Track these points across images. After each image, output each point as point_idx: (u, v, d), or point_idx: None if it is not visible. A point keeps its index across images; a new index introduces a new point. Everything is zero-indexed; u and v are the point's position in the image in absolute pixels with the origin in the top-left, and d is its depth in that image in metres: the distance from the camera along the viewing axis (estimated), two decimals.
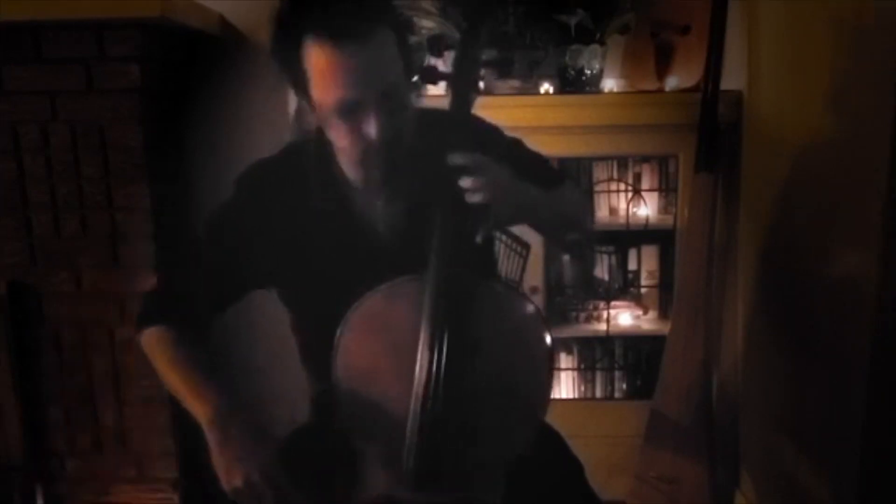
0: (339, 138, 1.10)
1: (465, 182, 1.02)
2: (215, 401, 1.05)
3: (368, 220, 1.20)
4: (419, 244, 1.08)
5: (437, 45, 1.06)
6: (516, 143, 1.30)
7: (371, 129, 1.05)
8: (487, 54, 1.09)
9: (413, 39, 1.55)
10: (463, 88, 1.08)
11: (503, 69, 1.10)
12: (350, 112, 1.05)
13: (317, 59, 1.03)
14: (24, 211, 1.77)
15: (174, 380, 1.11)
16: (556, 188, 1.26)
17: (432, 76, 1.08)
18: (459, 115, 1.09)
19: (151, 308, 1.21)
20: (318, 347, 1.15)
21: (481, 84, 1.08)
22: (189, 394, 1.08)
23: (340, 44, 1.01)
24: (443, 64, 1.07)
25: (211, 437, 1.01)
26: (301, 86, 1.08)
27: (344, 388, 1.12)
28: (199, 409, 1.05)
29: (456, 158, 1.02)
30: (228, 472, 0.98)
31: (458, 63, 1.07)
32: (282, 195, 1.19)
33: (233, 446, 0.99)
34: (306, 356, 1.34)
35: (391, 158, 1.08)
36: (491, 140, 1.22)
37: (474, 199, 1.02)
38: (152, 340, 1.17)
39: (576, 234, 1.30)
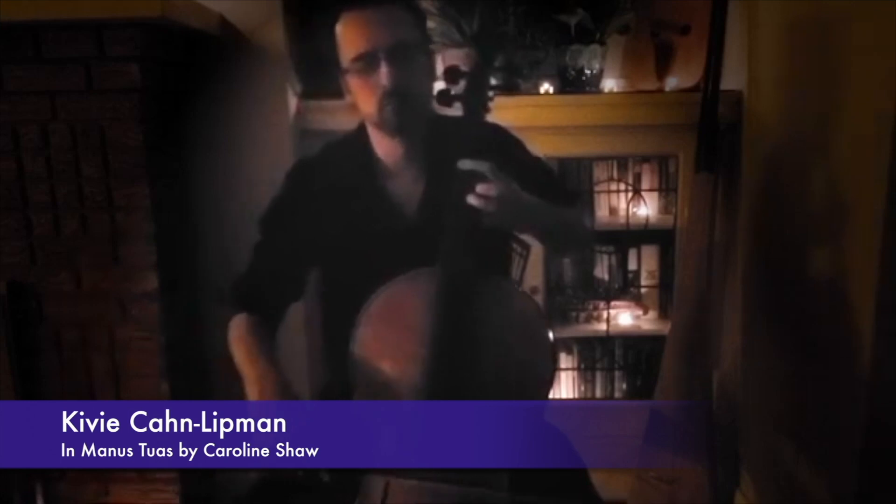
0: (361, 95, 1.27)
1: (475, 187, 1.13)
2: (262, 366, 1.20)
3: (401, 204, 1.33)
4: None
5: (453, 75, 1.21)
6: (536, 160, 1.42)
7: (383, 76, 1.23)
8: (496, 78, 1.25)
9: None
10: (475, 108, 1.22)
11: (510, 90, 1.28)
12: (367, 65, 1.24)
13: (344, 26, 1.26)
14: (24, 211, 1.77)
15: (240, 353, 1.25)
16: (565, 207, 1.37)
17: (447, 99, 1.23)
18: (473, 126, 1.22)
19: (237, 298, 1.37)
20: (343, 334, 1.20)
21: (491, 105, 1.23)
22: (246, 361, 1.22)
23: (361, 9, 1.25)
24: (456, 88, 1.23)
25: (250, 392, 1.16)
26: (333, 61, 1.29)
27: (359, 374, 1.18)
28: (247, 371, 1.20)
29: (466, 164, 1.15)
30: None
31: (469, 89, 1.22)
32: (325, 181, 1.36)
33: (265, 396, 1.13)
34: (330, 343, 1.41)
35: (404, 102, 1.25)
36: (506, 149, 1.35)
37: (480, 203, 1.13)
38: (238, 327, 1.32)
39: (575, 251, 1.40)
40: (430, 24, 2.00)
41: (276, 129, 1.95)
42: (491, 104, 1.22)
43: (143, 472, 1.87)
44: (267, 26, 1.94)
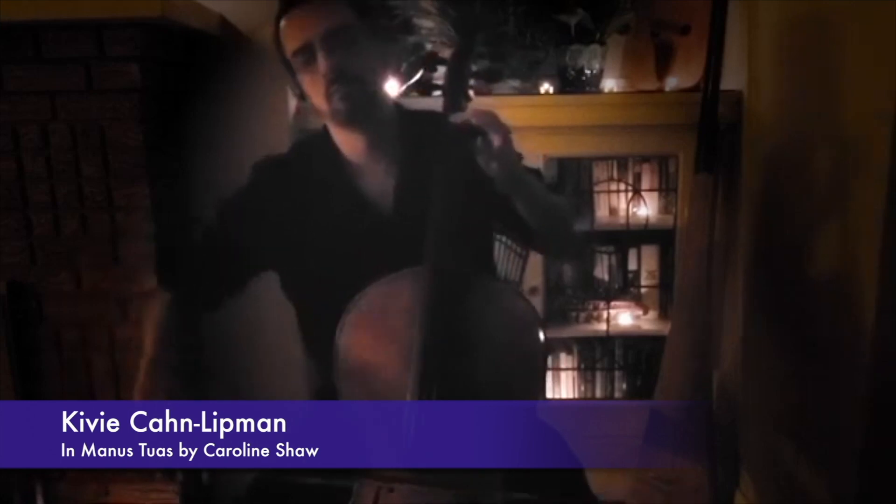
0: (310, 90, 1.25)
1: (474, 142, 1.10)
2: (159, 349, 1.22)
3: (374, 202, 1.29)
4: (424, 228, 1.14)
5: (431, 63, 1.19)
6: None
7: (321, 65, 1.21)
8: (478, 65, 1.18)
9: (412, 39, 1.64)
10: (454, 97, 1.18)
11: (492, 79, 1.23)
12: (307, 59, 1.23)
13: (284, 27, 1.25)
14: (24, 211, 1.77)
15: (147, 327, 1.27)
16: (555, 195, 1.33)
17: (425, 87, 1.16)
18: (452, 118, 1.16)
19: (168, 279, 1.38)
20: (323, 336, 1.17)
21: (471, 93, 1.19)
22: (147, 338, 1.25)
23: (290, 9, 1.24)
24: (435, 77, 1.20)
25: (142, 372, 1.19)
26: (286, 65, 1.27)
27: (344, 380, 1.15)
28: (146, 348, 1.22)
29: (459, 117, 1.11)
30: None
31: (449, 76, 1.19)
32: (291, 180, 1.32)
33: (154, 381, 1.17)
34: (311, 346, 1.37)
35: (349, 88, 1.22)
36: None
37: (480, 158, 1.09)
38: (158, 300, 1.32)
39: (568, 248, 1.39)
40: (430, 23, 2.01)
41: (276, 129, 1.95)
42: (471, 92, 1.19)
43: (143, 472, 1.87)
44: (267, 26, 1.91)
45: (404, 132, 1.31)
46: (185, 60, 1.91)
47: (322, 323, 1.18)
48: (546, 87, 2.11)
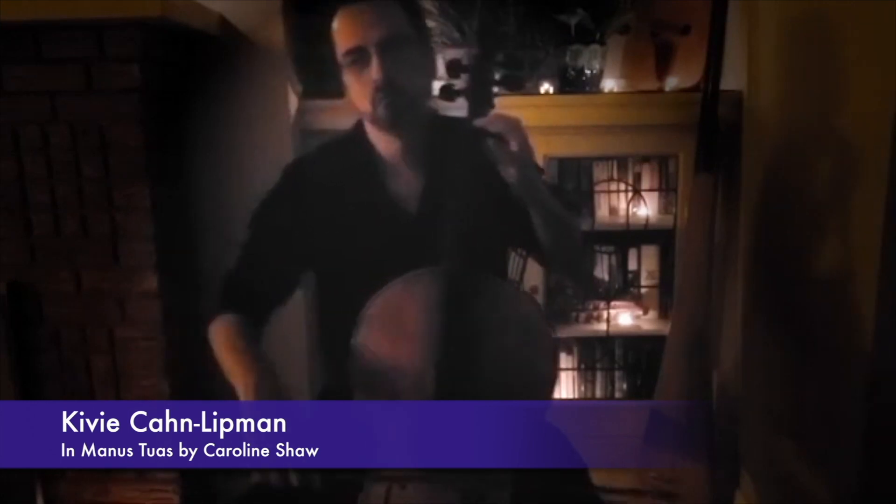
0: (355, 90, 1.27)
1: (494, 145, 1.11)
2: (255, 373, 1.13)
3: (402, 203, 1.32)
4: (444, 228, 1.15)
5: (455, 69, 1.17)
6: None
7: (374, 70, 1.23)
8: (500, 73, 1.20)
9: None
10: (478, 102, 1.18)
11: (514, 87, 1.23)
12: (359, 60, 1.24)
13: (338, 21, 1.26)
14: (24, 211, 1.77)
15: (228, 359, 1.19)
16: (567, 209, 1.33)
17: (450, 94, 1.19)
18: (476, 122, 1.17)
19: (222, 301, 1.33)
20: (342, 334, 1.18)
21: (495, 101, 1.19)
22: (236, 367, 1.16)
23: (354, 4, 1.25)
24: (459, 83, 1.19)
25: (246, 399, 1.10)
26: (330, 58, 1.28)
27: (359, 377, 1.16)
28: (239, 380, 1.13)
29: (482, 121, 1.12)
30: None
31: (471, 83, 1.18)
32: (323, 180, 1.34)
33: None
34: (328, 344, 1.39)
35: (397, 97, 1.24)
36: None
37: (501, 163, 1.11)
38: (221, 328, 1.27)
39: (570, 262, 1.37)
40: (431, 23, 2.01)
41: (276, 129, 1.95)
42: (496, 99, 1.19)
43: (143, 472, 1.87)
44: (267, 26, 1.94)
45: (435, 136, 1.32)
46: (185, 60, 1.91)
47: (343, 321, 1.19)
48: (546, 87, 2.11)
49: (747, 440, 2.07)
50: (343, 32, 1.25)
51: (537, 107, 2.06)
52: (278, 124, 1.96)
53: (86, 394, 1.84)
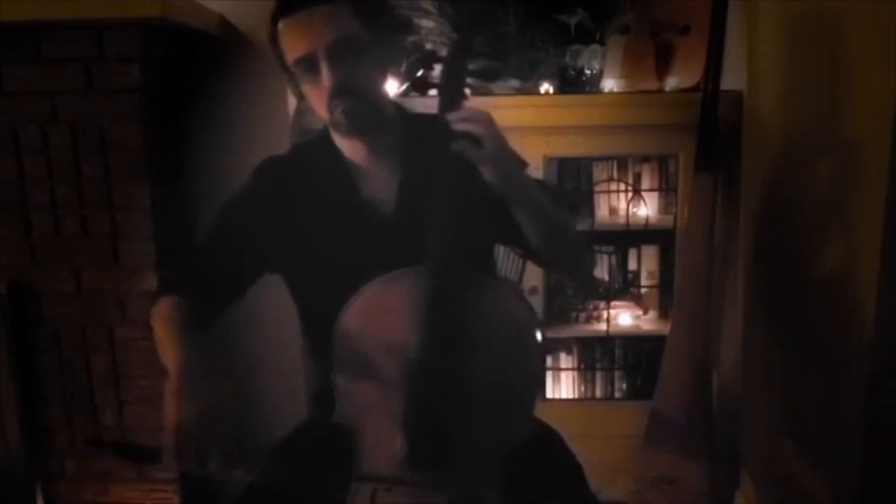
0: (311, 98, 1.23)
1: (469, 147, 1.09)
2: (184, 355, 1.10)
3: (377, 206, 1.28)
4: (424, 229, 1.13)
5: (428, 61, 1.17)
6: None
7: (324, 77, 1.18)
8: (474, 64, 1.18)
9: (412, 38, 1.60)
10: (450, 96, 1.16)
11: (490, 78, 1.19)
12: (309, 68, 1.19)
13: (283, 34, 1.21)
14: (24, 211, 1.77)
15: (163, 338, 1.16)
16: (556, 203, 1.29)
17: (423, 86, 1.19)
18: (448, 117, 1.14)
19: (173, 284, 1.29)
20: (323, 337, 1.17)
21: (468, 91, 1.17)
22: (169, 343, 1.14)
23: (293, 13, 1.19)
24: (433, 75, 1.17)
25: (172, 378, 1.07)
26: (288, 72, 1.24)
27: (342, 375, 1.15)
28: (170, 360, 1.11)
29: (453, 116, 1.10)
30: (177, 412, 1.03)
31: (445, 73, 1.17)
32: (294, 183, 1.30)
33: (192, 388, 1.05)
34: (312, 346, 1.37)
35: (353, 102, 1.20)
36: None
37: (482, 168, 1.09)
38: (163, 308, 1.22)
39: (569, 260, 1.33)
40: (430, 23, 2.01)
41: (276, 129, 1.95)
42: (468, 91, 1.17)
43: (143, 472, 1.87)
44: (263, 25, 1.94)
45: (406, 135, 1.30)
46: (185, 60, 1.91)
47: (322, 324, 1.18)
48: (546, 87, 2.11)
49: (747, 440, 2.07)
50: (289, 42, 1.20)
51: (537, 107, 2.06)
52: (278, 124, 1.96)
53: (86, 394, 1.84)
